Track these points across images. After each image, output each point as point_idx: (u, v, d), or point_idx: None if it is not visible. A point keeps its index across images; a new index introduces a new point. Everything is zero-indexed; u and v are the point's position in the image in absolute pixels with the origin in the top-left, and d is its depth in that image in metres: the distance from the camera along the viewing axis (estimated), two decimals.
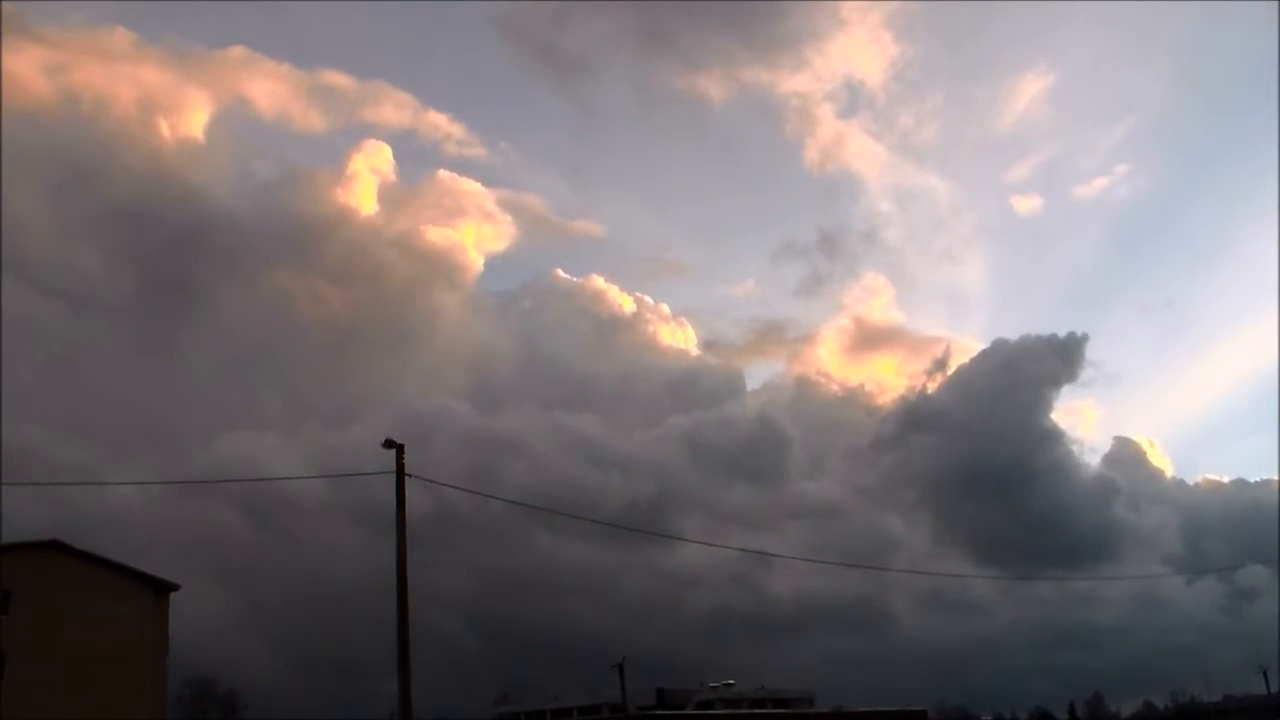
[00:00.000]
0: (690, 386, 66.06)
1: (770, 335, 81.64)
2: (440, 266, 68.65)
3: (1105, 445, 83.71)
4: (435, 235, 70.56)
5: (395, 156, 72.74)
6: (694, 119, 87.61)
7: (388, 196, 70.76)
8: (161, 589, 17.73)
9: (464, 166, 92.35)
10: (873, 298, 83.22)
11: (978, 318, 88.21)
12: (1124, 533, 52.71)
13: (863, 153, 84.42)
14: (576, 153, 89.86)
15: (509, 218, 79.53)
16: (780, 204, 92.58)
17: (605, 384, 66.13)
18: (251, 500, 42.58)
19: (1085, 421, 77.64)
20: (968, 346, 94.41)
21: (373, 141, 75.19)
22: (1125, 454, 62.45)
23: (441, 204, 75.41)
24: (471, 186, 78.11)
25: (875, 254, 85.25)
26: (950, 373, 66.55)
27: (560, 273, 74.47)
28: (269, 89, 74.91)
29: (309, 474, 46.47)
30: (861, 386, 78.30)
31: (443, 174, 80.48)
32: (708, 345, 78.38)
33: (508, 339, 67.43)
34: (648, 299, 77.09)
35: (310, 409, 57.67)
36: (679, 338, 72.77)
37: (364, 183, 66.60)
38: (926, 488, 57.99)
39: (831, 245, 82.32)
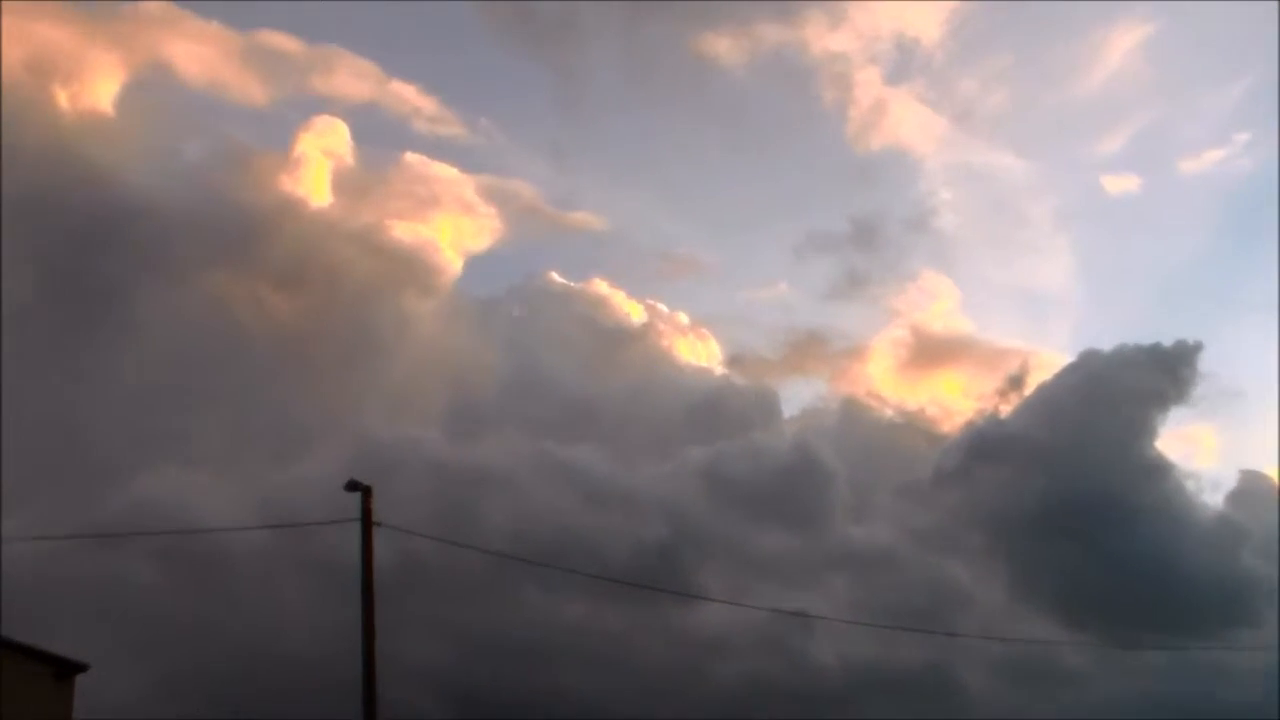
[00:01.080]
0: (712, 410, 66.14)
1: (809, 348, 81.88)
2: (409, 268, 68.66)
3: (1228, 479, 79.75)
4: (403, 231, 70.26)
5: (354, 136, 71.39)
6: (710, 88, 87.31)
7: (345, 184, 70.37)
8: (65, 670, 17.01)
9: (437, 148, 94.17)
10: (933, 302, 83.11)
11: (1062, 324, 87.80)
12: (1256, 587, 51.49)
13: (916, 125, 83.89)
14: (572, 132, 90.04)
15: (492, 209, 79.37)
16: (817, 188, 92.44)
17: (609, 408, 66.53)
18: (178, 552, 41.59)
19: (1201, 450, 76.54)
20: (1050, 359, 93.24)
21: (325, 118, 71.41)
22: (1254, 490, 60.84)
23: (411, 193, 75.22)
24: (446, 172, 77.36)
25: (935, 248, 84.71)
26: (1029, 392, 66.68)
27: (555, 275, 73.97)
28: (196, 53, 74.57)
29: (250, 521, 45.24)
30: (921, 410, 77.99)
31: (411, 157, 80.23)
32: (734, 360, 78.39)
33: (492, 354, 67.60)
34: (660, 305, 76.82)
35: (251, 440, 57.35)
36: (698, 352, 72.93)
37: (315, 167, 66.38)
38: (1001, 531, 57.75)
39: (878, 238, 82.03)
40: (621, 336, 70.72)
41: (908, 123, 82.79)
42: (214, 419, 57.60)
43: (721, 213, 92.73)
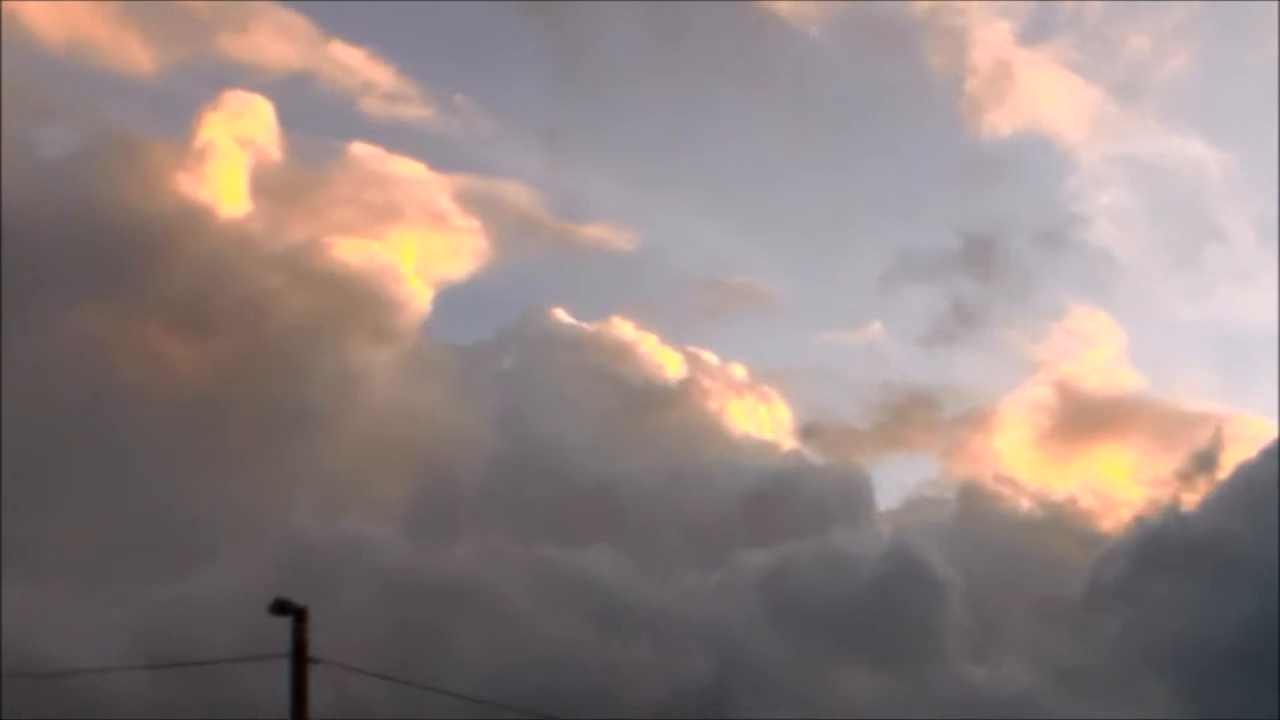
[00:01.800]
0: (778, 499, 65.62)
1: (912, 413, 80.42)
2: (358, 303, 67.78)
3: None
4: (349, 251, 68.94)
5: (280, 118, 70.31)
6: (770, 56, 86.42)
7: (268, 186, 69.66)
8: None
9: (396, 136, 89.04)
10: (1087, 348, 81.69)
11: (1270, 380, 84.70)
12: None
13: (1061, 101, 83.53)
14: (583, 115, 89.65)
15: (473, 221, 77.07)
16: (917, 190, 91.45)
17: (635, 496, 65.56)
18: (26, 702, 38.86)
19: None
20: (1254, 428, 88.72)
21: (240, 94, 70.65)
22: None
23: (360, 199, 73.93)
24: (409, 169, 76.11)
25: (1087, 272, 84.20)
26: (1224, 474, 65.59)
27: (560, 312, 72.42)
28: (55, 5, 73.25)
29: (130, 657, 43.56)
30: (1071, 500, 75.55)
31: (360, 149, 77.59)
32: (808, 430, 76.33)
33: (473, 421, 66.50)
34: (706, 354, 75.30)
35: (134, 541, 56.12)
36: (760, 418, 72.11)
37: (227, 162, 66.07)
38: (1184, 670, 56.95)
39: (1002, 258, 79.63)
40: (653, 396, 70.08)
41: (1048, 97, 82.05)
42: (81, 512, 56.68)
43: (788, 225, 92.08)
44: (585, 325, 72.27)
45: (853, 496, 67.69)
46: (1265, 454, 60.43)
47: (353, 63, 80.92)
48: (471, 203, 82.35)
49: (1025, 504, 71.66)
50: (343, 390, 64.86)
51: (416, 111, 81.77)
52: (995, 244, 78.27)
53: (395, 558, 55.86)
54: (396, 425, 65.13)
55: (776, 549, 61.03)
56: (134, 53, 74.12)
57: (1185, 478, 73.99)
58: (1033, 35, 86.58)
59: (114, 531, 57.02)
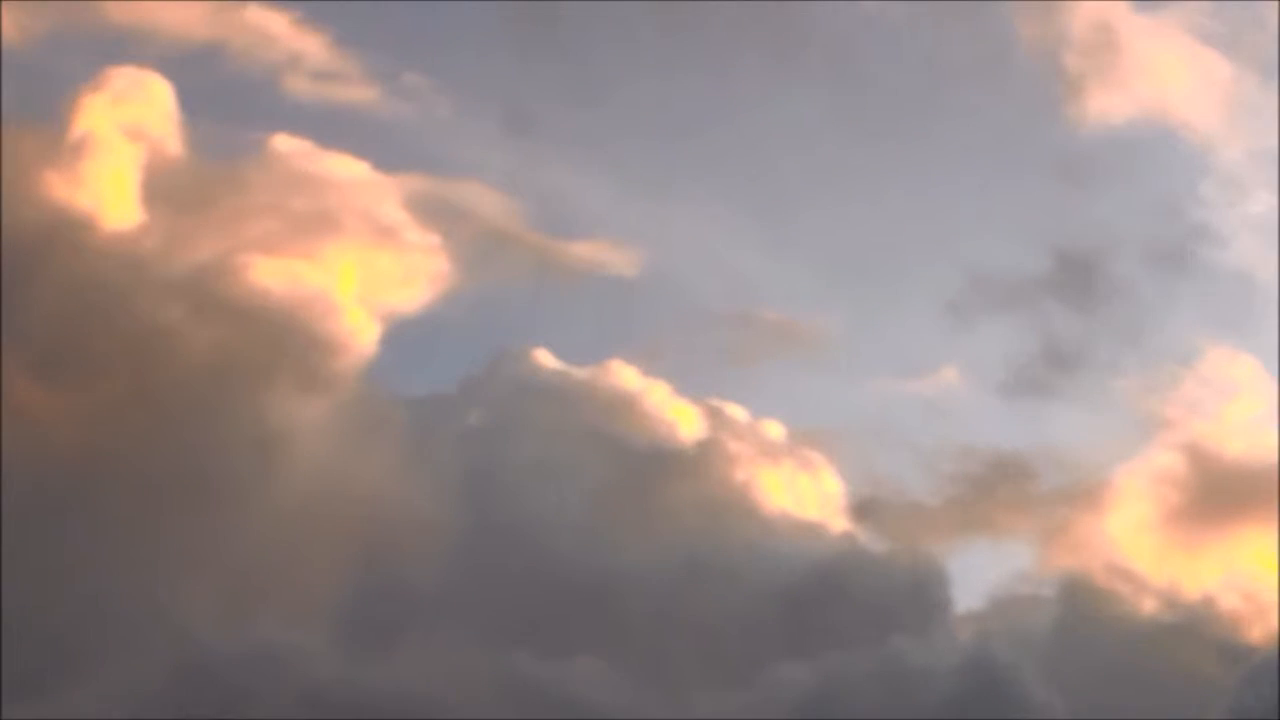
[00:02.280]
0: (826, 595, 65.51)
1: (999, 486, 79.29)
2: (282, 341, 66.68)
3: None
4: (272, 274, 67.79)
5: (182, 103, 69.94)
6: (809, 29, 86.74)
7: (166, 189, 68.72)
8: None
9: (332, 125, 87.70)
10: (1226, 402, 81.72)
11: None
12: None
13: (1188, 81, 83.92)
14: (572, 100, 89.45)
15: (432, 235, 76.14)
16: (1000, 197, 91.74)
17: (639, 591, 65.42)
18: None
19: None
20: None
21: (129, 70, 70.55)
22: None
23: (285, 206, 73.02)
24: (348, 168, 75.63)
25: (1224, 303, 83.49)
26: None
27: (543, 354, 72.35)
28: None
29: None
30: (1207, 600, 74.26)
31: (285, 143, 77.08)
32: (864, 507, 75.99)
33: (427, 496, 65.79)
34: (731, 408, 75.78)
35: None
36: (802, 491, 72.02)
37: (112, 158, 65.70)
38: None
39: (1117, 285, 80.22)
40: (662, 463, 69.09)
41: (1169, 76, 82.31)
42: None
43: (835, 242, 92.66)
44: (575, 371, 72.20)
45: (921, 593, 66.96)
46: None
47: (275, 30, 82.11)
48: (428, 212, 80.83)
49: (1147, 605, 70.99)
50: (259, 455, 63.48)
51: (356, 93, 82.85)
52: (1097, 265, 79.44)
53: (325, 671, 55.79)
54: (328, 500, 63.79)
55: (822, 661, 60.60)
56: None
57: None
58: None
59: None
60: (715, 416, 71.75)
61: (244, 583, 60.25)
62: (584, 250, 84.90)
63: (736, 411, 74.02)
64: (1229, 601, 73.41)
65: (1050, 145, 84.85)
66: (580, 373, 71.54)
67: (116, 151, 66.02)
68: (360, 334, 68.41)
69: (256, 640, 56.01)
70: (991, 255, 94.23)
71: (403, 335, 75.38)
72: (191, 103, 70.48)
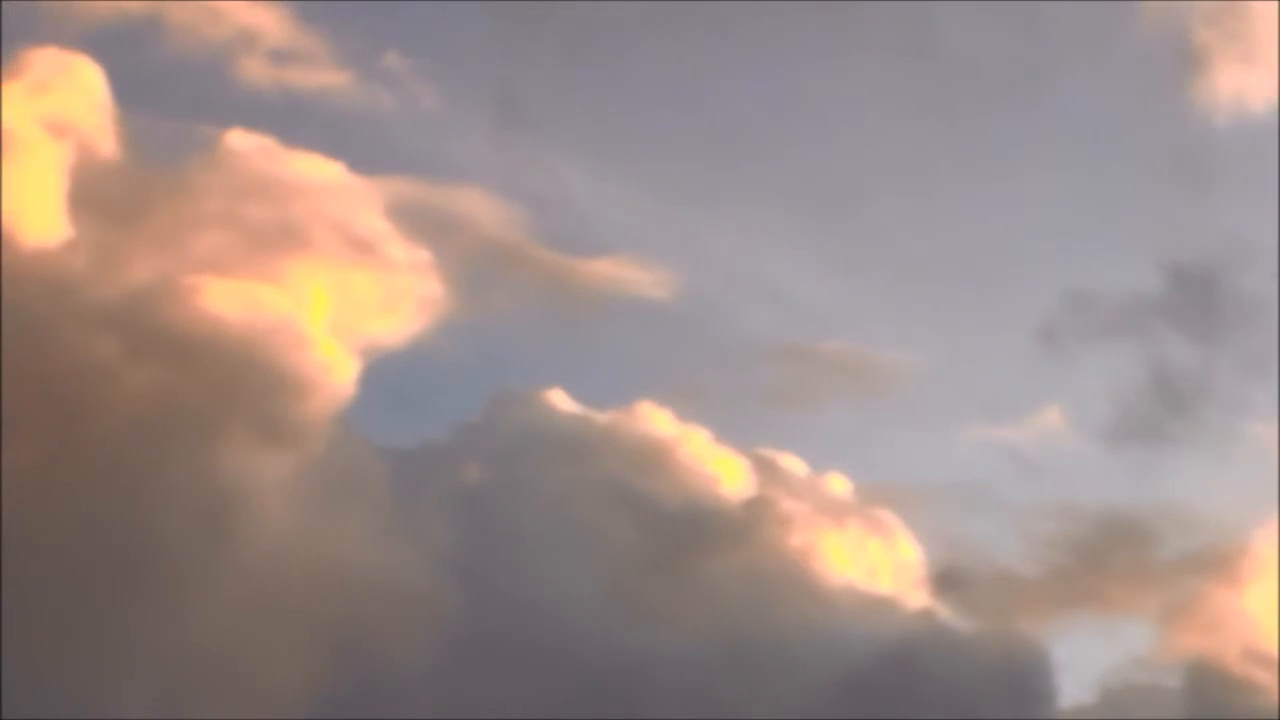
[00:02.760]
0: (901, 684, 65.27)
1: (1112, 553, 79.77)
2: (241, 380, 65.11)
3: None
4: (227, 299, 66.29)
5: (117, 91, 68.81)
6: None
7: (99, 196, 67.40)
8: None
9: (298, 118, 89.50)
10: None
11: None
12: None
13: None
14: (586, 84, 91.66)
15: (420, 251, 75.37)
16: (1107, 202, 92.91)
17: (670, 683, 65.34)
18: None
19: None
20: None
21: (52, 52, 69.69)
22: None
23: (241, 216, 71.60)
24: (319, 170, 74.75)
25: None
26: None
27: (558, 395, 73.34)
28: None
29: None
30: None
31: (241, 139, 76.04)
32: (947, 579, 76.12)
33: (417, 569, 64.55)
34: (787, 460, 76.41)
35: None
36: (872, 560, 72.42)
37: (32, 159, 64.17)
38: None
39: (1250, 308, 79.75)
40: (702, 526, 68.63)
41: None
42: None
43: (908, 259, 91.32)
44: (596, 414, 72.57)
45: (1018, 683, 66.32)
46: None
47: (224, 3, 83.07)
48: (416, 223, 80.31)
49: None
50: (210, 523, 61.31)
51: (325, 79, 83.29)
52: (1220, 283, 79.32)
53: None
54: (295, 575, 61.99)
55: None
56: None
57: None
58: None
59: None
60: (766, 469, 71.64)
61: (190, 678, 58.47)
62: (604, 269, 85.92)
63: (792, 463, 74.41)
64: None
65: (1166, 137, 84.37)
66: (601, 417, 71.37)
67: (36, 150, 64.45)
68: (334, 371, 66.90)
69: None
70: (1095, 271, 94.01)
71: (385, 373, 74.48)
72: (126, 91, 69.50)
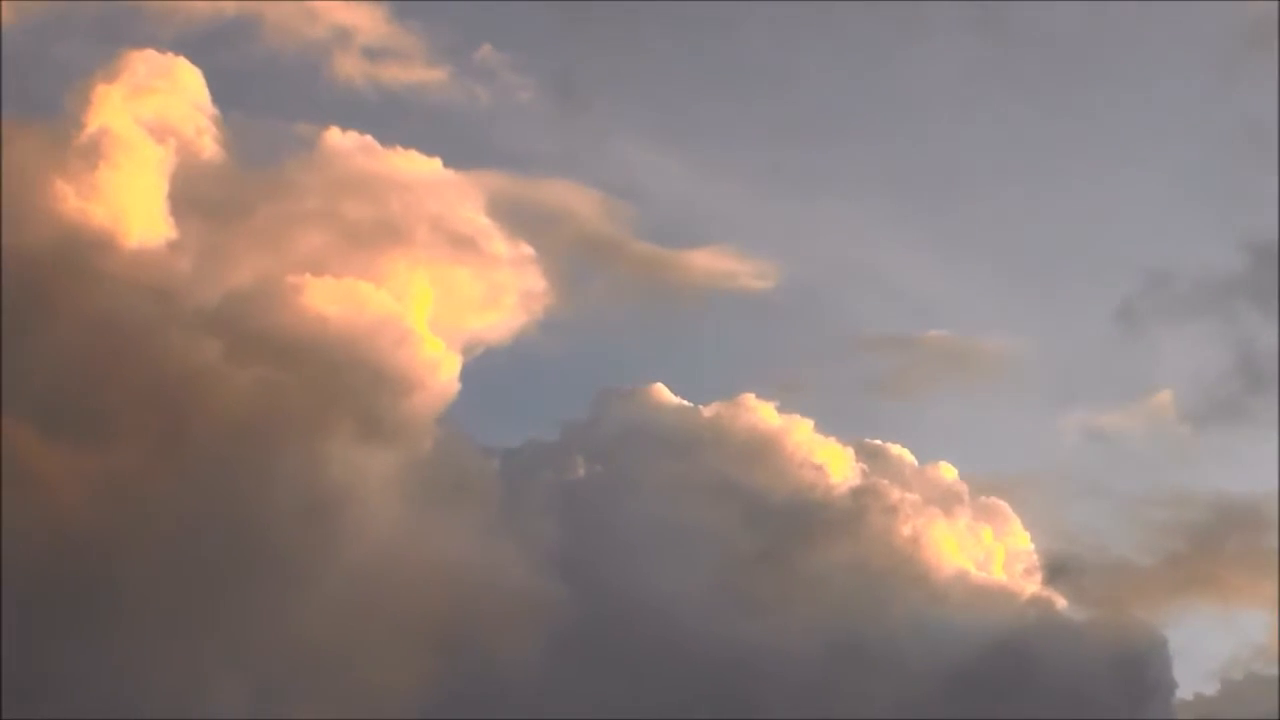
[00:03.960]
0: (1015, 675, 64.98)
1: (1227, 540, 79.66)
2: (344, 380, 64.52)
3: None
4: (328, 298, 65.99)
5: (216, 93, 68.51)
6: None
7: (199, 198, 67.20)
8: None
9: (396, 114, 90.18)
10: None
11: None
12: None
13: None
14: (685, 75, 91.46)
15: (521, 246, 74.63)
16: (1180, 167, 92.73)
17: (779, 678, 65.26)
18: None
19: None
20: None
21: (151, 55, 68.36)
22: None
23: (341, 215, 71.32)
24: (417, 166, 73.96)
25: None
26: None
27: (661, 390, 72.63)
28: None
29: None
30: None
31: (339, 138, 75.43)
32: (1060, 567, 74.97)
33: (525, 568, 64.84)
34: (894, 450, 75.35)
35: None
36: (983, 549, 71.59)
37: (132, 161, 63.68)
38: None
39: None
40: (808, 518, 67.92)
41: None
42: None
43: (1015, 244, 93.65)
44: (701, 409, 71.69)
45: (1136, 672, 65.94)
46: None
47: (322, 3, 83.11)
48: (515, 217, 79.88)
49: None
50: (315, 522, 61.45)
51: (420, 75, 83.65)
52: None
53: None
54: (400, 575, 62.09)
55: None
56: None
57: None
58: None
59: None
60: (872, 459, 71.13)
61: (294, 676, 58.88)
62: (704, 261, 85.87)
63: (900, 453, 73.84)
64: None
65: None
66: (706, 411, 70.67)
67: (138, 153, 64.01)
68: (438, 370, 66.68)
69: None
70: (1172, 252, 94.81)
71: (490, 370, 74.78)
72: (224, 92, 69.29)
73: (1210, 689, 72.18)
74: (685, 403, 71.51)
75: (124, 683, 55.69)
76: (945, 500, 71.49)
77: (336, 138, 72.71)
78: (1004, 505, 73.21)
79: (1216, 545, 79.33)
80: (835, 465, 69.79)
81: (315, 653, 59.88)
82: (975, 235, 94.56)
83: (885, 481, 70.47)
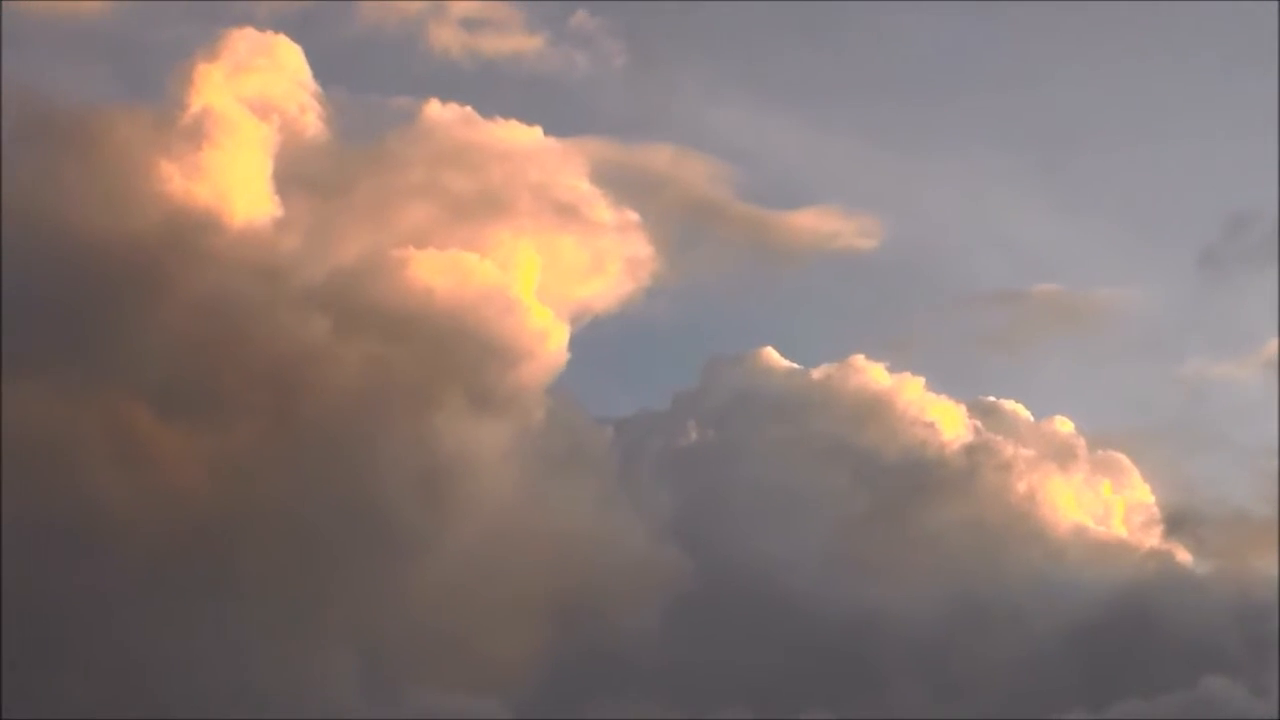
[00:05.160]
0: (1136, 629, 64.58)
1: None
2: (453, 352, 64.60)
3: None
4: (435, 270, 65.96)
5: (317, 69, 68.30)
6: None
7: (304, 174, 67.43)
8: None
9: (495, 85, 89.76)
10: None
11: None
12: None
13: None
14: (785, 36, 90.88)
15: (627, 213, 73.89)
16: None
17: (898, 641, 64.59)
18: None
19: None
20: None
21: (250, 34, 68.38)
22: None
23: (445, 187, 71.21)
24: (519, 136, 73.31)
25: None
26: None
27: (771, 353, 72.14)
28: None
29: None
30: None
31: (439, 110, 75.09)
32: (1180, 520, 74.35)
33: (639, 536, 65.12)
34: (1009, 406, 74.70)
35: None
36: (1102, 503, 71.33)
37: (236, 140, 63.88)
38: None
39: None
40: (922, 476, 67.81)
41: None
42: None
43: (1121, 194, 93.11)
44: (811, 372, 71.33)
45: (1258, 624, 64.12)
46: None
47: None
48: (618, 184, 78.93)
49: None
50: (428, 492, 61.43)
51: (517, 44, 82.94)
52: None
53: None
54: (518, 547, 62.11)
55: (1134, 708, 58.96)
56: None
57: None
58: None
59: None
60: (986, 416, 70.53)
61: (410, 652, 59.17)
62: (808, 222, 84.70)
63: (1015, 409, 73.19)
64: None
65: None
66: (816, 374, 70.31)
67: (241, 132, 64.15)
68: (546, 340, 66.39)
69: (435, 711, 55.10)
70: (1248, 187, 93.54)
71: (598, 338, 74.64)
72: (324, 68, 69.09)
73: None
74: (795, 365, 71.20)
75: (241, 660, 56.09)
76: (1061, 455, 70.85)
77: (436, 110, 72.57)
78: (1122, 458, 72.48)
79: None
80: (947, 423, 69.48)
81: (432, 627, 60.18)
82: (1083, 187, 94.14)
83: (999, 438, 69.97)
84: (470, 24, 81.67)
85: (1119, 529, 69.52)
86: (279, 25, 70.90)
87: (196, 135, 63.72)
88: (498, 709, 56.90)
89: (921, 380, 70.83)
